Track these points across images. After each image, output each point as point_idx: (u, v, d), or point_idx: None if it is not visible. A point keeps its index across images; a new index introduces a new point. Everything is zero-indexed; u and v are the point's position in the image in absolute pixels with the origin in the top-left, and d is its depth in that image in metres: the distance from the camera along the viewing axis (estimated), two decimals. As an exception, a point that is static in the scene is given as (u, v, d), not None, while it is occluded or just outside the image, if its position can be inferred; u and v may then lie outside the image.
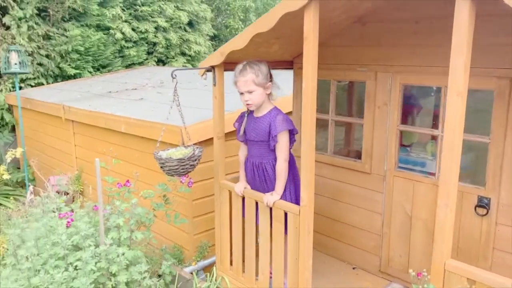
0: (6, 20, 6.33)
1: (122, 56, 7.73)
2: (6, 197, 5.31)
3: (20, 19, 6.40)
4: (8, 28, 6.41)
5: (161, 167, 2.60)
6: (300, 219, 2.36)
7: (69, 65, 6.97)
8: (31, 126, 5.97)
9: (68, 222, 2.59)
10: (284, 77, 4.37)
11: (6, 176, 5.20)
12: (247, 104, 2.50)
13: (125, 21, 7.64)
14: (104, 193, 3.09)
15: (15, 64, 5.25)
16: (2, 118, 6.44)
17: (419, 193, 2.69)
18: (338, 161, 3.12)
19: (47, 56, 6.76)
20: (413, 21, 2.56)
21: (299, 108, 3.32)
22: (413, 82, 2.64)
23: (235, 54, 2.66)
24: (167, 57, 8.33)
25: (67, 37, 6.82)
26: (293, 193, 2.57)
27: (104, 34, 7.29)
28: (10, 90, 6.40)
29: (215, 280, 3.03)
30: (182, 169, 2.57)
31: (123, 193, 2.91)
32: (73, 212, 2.89)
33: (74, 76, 7.12)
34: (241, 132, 2.60)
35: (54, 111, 5.11)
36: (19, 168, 6.47)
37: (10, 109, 6.46)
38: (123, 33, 7.51)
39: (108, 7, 7.35)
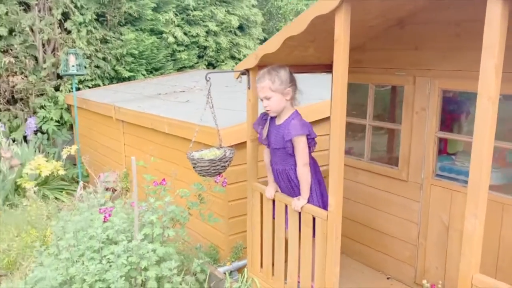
0: (68, 25, 6.75)
1: (174, 60, 7.99)
2: (61, 191, 5.65)
3: (80, 24, 6.80)
4: (69, 32, 6.83)
5: (193, 167, 2.66)
6: (327, 225, 2.33)
7: (124, 67, 7.30)
8: (87, 125, 6.32)
9: (105, 217, 2.72)
10: (316, 82, 4.33)
11: (61, 172, 5.56)
12: (267, 110, 2.51)
13: (178, 26, 7.89)
14: (144, 190, 3.22)
15: (73, 66, 5.58)
16: (62, 117, 6.85)
17: (457, 203, 2.57)
18: (375, 167, 3.04)
19: (104, 59, 7.13)
20: (454, 23, 2.46)
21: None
22: (453, 87, 2.53)
23: (269, 58, 2.68)
24: (217, 61, 8.50)
25: (122, 41, 7.15)
26: (319, 197, 2.54)
27: (157, 38, 7.57)
28: (69, 91, 6.80)
29: (246, 282, 3.05)
30: (213, 170, 2.62)
31: (159, 191, 3.01)
32: (113, 207, 3.02)
33: (129, 78, 7.44)
34: (264, 136, 2.61)
35: (106, 111, 5.38)
36: (75, 164, 6.86)
37: (69, 109, 6.86)
38: (175, 37, 7.76)
39: (162, 12, 7.63)
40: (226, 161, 2.64)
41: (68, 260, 2.50)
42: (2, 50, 6.39)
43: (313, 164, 2.55)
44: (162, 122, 4.14)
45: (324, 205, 2.51)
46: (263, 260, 2.93)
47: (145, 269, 2.48)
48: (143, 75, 7.54)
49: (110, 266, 2.42)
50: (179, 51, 7.97)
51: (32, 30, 6.53)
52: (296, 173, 2.51)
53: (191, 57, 8.12)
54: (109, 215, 2.77)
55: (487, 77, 1.57)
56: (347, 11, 2.09)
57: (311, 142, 2.49)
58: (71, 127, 7.01)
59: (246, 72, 2.82)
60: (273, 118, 2.59)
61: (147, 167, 3.12)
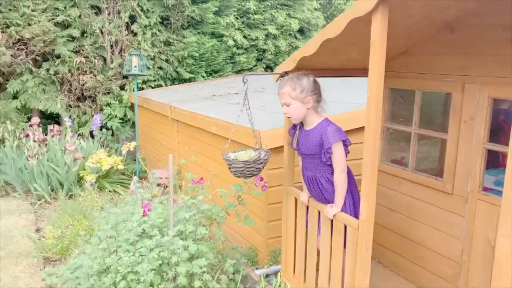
0: (134, 27, 7.12)
1: (233, 62, 8.13)
2: (120, 185, 5.96)
3: (145, 26, 7.14)
4: (135, 34, 7.20)
5: (229, 168, 2.69)
6: (358, 234, 2.25)
7: (185, 69, 7.56)
8: (147, 123, 6.62)
9: (145, 211, 2.83)
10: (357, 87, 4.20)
11: (121, 166, 5.86)
12: (288, 117, 2.49)
13: (238, 29, 8.02)
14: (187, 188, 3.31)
15: (135, 66, 5.88)
16: (125, 115, 7.23)
17: (504, 221, 2.37)
18: (418, 178, 2.89)
19: (167, 60, 7.42)
20: (506, 28, 2.27)
21: (382, 119, 3.16)
22: (504, 95, 2.34)
23: (309, 61, 2.65)
24: (276, 64, 8.53)
25: (184, 43, 7.40)
26: (352, 207, 2.47)
27: (217, 41, 7.75)
28: (133, 90, 7.16)
29: (279, 286, 3.03)
30: (248, 171, 2.63)
31: (197, 189, 3.08)
32: (153, 203, 3.14)
33: (189, 80, 7.69)
34: (294, 144, 2.59)
35: (163, 110, 5.60)
36: (135, 160, 7.21)
37: (132, 107, 7.23)
38: (235, 40, 7.90)
39: (223, 15, 7.80)
40: (261, 163, 2.64)
41: (105, 250, 2.63)
42: (74, 50, 6.87)
43: (348, 172, 2.48)
44: (210, 122, 4.24)
45: (356, 215, 2.43)
46: (295, 266, 2.90)
47: (176, 264, 2.54)
48: (203, 77, 7.75)
49: (142, 259, 2.51)
50: (238, 54, 8.10)
51: (101, 32, 6.97)
52: (327, 180, 2.46)
53: (249, 60, 8.22)
54: (149, 210, 2.88)
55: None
56: (384, 14, 2.01)
57: (345, 149, 2.43)
58: (133, 125, 7.38)
59: (285, 74, 2.81)
60: (302, 126, 2.56)
61: (187, 165, 3.20)
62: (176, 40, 7.43)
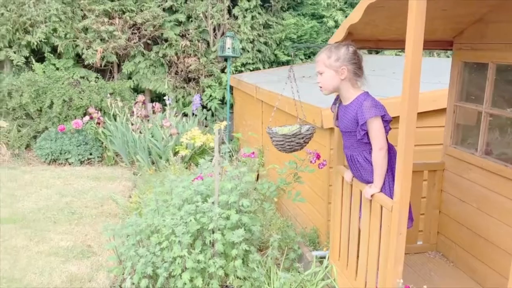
0: (235, 11, 7.34)
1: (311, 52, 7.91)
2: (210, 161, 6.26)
3: (246, 10, 7.31)
4: (236, 18, 7.42)
5: (272, 142, 2.66)
6: (392, 216, 2.06)
7: (283, 52, 7.58)
8: (240, 104, 6.82)
9: (195, 179, 2.95)
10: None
11: (212, 144, 6.16)
12: (319, 87, 2.33)
13: (340, 9, 7.75)
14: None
15: (228, 48, 6.08)
16: (224, 97, 7.54)
17: None
18: (489, 164, 2.51)
19: (265, 43, 7.53)
20: None
21: (453, 98, 2.81)
22: None
23: (362, 30, 2.50)
24: (380, 46, 8.07)
25: (282, 25, 7.41)
26: (392, 188, 2.25)
27: (317, 22, 7.60)
28: (233, 73, 7.42)
29: (325, 268, 2.92)
30: (288, 145, 2.57)
31: (251, 164, 3.10)
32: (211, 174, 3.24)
33: (287, 63, 7.70)
34: (334, 121, 2.45)
35: (250, 91, 5.71)
36: (232, 140, 7.50)
37: (231, 89, 7.51)
38: (335, 21, 7.65)
39: (324, -4, 7.61)
40: (302, 138, 2.56)
41: (155, 211, 2.81)
42: (180, 34, 7.35)
43: (389, 151, 2.27)
44: (283, 101, 4.20)
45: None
46: (340, 249, 2.76)
47: (213, 231, 2.62)
48: (301, 59, 7.69)
49: (185, 222, 2.63)
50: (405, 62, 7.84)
51: (205, 16, 7.33)
52: (365, 159, 2.28)
53: (351, 42, 7.91)
54: (201, 178, 2.99)
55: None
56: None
57: (386, 125, 2.22)
58: (231, 106, 7.66)
59: (337, 46, 2.65)
60: (341, 102, 2.40)
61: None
62: (275, 22, 7.48)
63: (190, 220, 2.56)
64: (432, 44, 2.86)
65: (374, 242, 2.27)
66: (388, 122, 2.23)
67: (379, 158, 2.20)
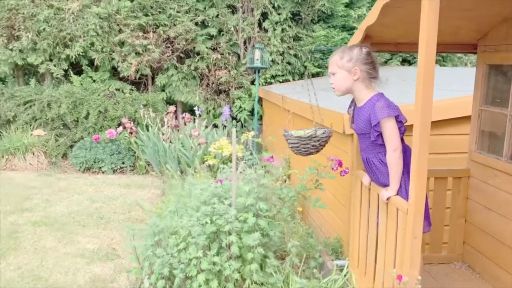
0: (265, 24, 7.43)
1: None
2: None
3: (276, 23, 7.38)
4: (266, 31, 7.51)
5: (288, 144, 2.66)
6: (407, 219, 2.00)
7: (313, 63, 7.58)
8: (269, 115, 6.85)
9: (213, 183, 2.98)
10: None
11: (240, 154, 6.19)
12: (332, 88, 2.31)
13: (371, 21, 7.69)
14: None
15: (257, 60, 6.14)
16: (253, 108, 7.60)
17: None
18: (515, 169, 2.40)
19: (295, 55, 7.56)
20: None
21: (478, 102, 2.72)
22: None
23: (380, 33, 2.48)
24: (414, 57, 7.92)
25: (312, 37, 7.43)
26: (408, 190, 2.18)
27: (348, 34, 7.56)
28: (262, 85, 7.48)
29: (344, 276, 2.85)
30: (304, 148, 2.56)
31: (276, 173, 3.10)
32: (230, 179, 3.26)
33: (317, 75, 7.68)
34: (350, 123, 2.42)
35: (277, 101, 5.73)
36: (260, 150, 7.52)
37: (259, 101, 7.56)
38: (366, 33, 7.60)
39: (355, 7, 7.58)
40: (318, 141, 2.54)
41: (174, 213, 2.85)
42: (212, 47, 7.50)
43: (405, 152, 2.21)
44: (305, 108, 4.20)
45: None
46: (359, 256, 2.69)
47: (229, 232, 2.62)
48: (331, 71, 7.65)
49: (202, 224, 2.65)
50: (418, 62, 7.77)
51: (236, 30, 7.45)
52: (380, 161, 2.24)
53: (383, 53, 7.81)
54: (220, 182, 3.01)
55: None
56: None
57: (401, 126, 2.17)
58: (261, 117, 7.71)
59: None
60: (356, 104, 2.38)
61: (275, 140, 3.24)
62: (306, 34, 7.51)
63: (206, 222, 2.57)
64: (455, 47, 2.80)
65: (391, 247, 2.20)
66: (403, 123, 2.18)
67: (393, 159, 2.15)
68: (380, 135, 2.18)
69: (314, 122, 2.79)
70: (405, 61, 8.02)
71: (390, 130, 2.14)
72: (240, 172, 5.26)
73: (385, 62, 7.93)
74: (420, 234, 1.98)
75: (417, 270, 2.01)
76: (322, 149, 2.62)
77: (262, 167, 3.13)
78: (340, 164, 3.03)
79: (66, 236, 4.04)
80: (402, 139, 2.20)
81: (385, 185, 2.28)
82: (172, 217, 2.83)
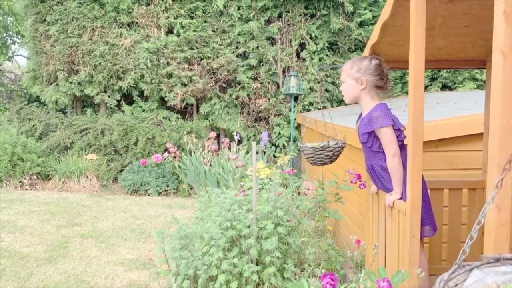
0: (303, 54, 7.74)
1: (403, 82, 7.91)
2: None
3: (313, 52, 7.68)
4: (303, 60, 7.81)
5: (303, 155, 2.86)
6: (405, 220, 2.13)
7: (350, 90, 7.74)
8: (307, 140, 7.04)
9: (238, 193, 3.21)
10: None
11: (279, 180, 6.40)
12: (342, 96, 2.50)
13: (408, 48, 7.80)
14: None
15: (293, 87, 6.42)
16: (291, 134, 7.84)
17: None
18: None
19: (333, 83, 7.77)
20: None
21: (488, 114, 2.80)
22: None
23: (387, 51, 2.66)
24: (454, 83, 7.88)
25: (349, 65, 7.63)
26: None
27: (385, 61, 7.70)
28: (300, 112, 7.73)
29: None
30: (318, 158, 2.75)
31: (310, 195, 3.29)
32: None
33: (356, 102, 7.81)
34: (357, 131, 2.58)
35: (311, 125, 5.94)
36: (298, 175, 7.68)
37: (298, 127, 7.79)
38: (403, 60, 7.70)
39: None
40: (331, 151, 2.72)
41: (199, 219, 3.09)
42: (252, 77, 7.89)
43: (405, 157, 2.34)
44: (330, 128, 4.37)
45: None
46: (372, 263, 2.78)
47: (248, 237, 2.82)
48: (369, 97, 7.77)
49: (222, 228, 2.87)
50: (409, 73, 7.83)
51: (275, 60, 7.82)
52: (382, 168, 2.38)
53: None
54: (243, 193, 3.24)
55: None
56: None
57: (399, 134, 2.32)
58: (299, 143, 7.91)
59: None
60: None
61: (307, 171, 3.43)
62: (343, 63, 7.72)
63: (227, 226, 2.79)
64: (464, 64, 2.91)
65: (395, 250, 2.31)
66: (402, 130, 2.33)
67: (393, 164, 2.29)
68: (378, 142, 2.34)
69: (326, 135, 2.97)
70: (445, 87, 7.99)
71: (386, 138, 2.29)
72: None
73: (425, 88, 7.94)
74: (418, 233, 2.09)
75: (416, 268, 2.11)
76: (336, 159, 2.79)
77: (293, 186, 3.33)
78: (359, 177, 3.17)
79: (109, 247, 4.38)
80: (403, 146, 2.34)
81: (390, 190, 2.41)
82: (197, 223, 3.08)
